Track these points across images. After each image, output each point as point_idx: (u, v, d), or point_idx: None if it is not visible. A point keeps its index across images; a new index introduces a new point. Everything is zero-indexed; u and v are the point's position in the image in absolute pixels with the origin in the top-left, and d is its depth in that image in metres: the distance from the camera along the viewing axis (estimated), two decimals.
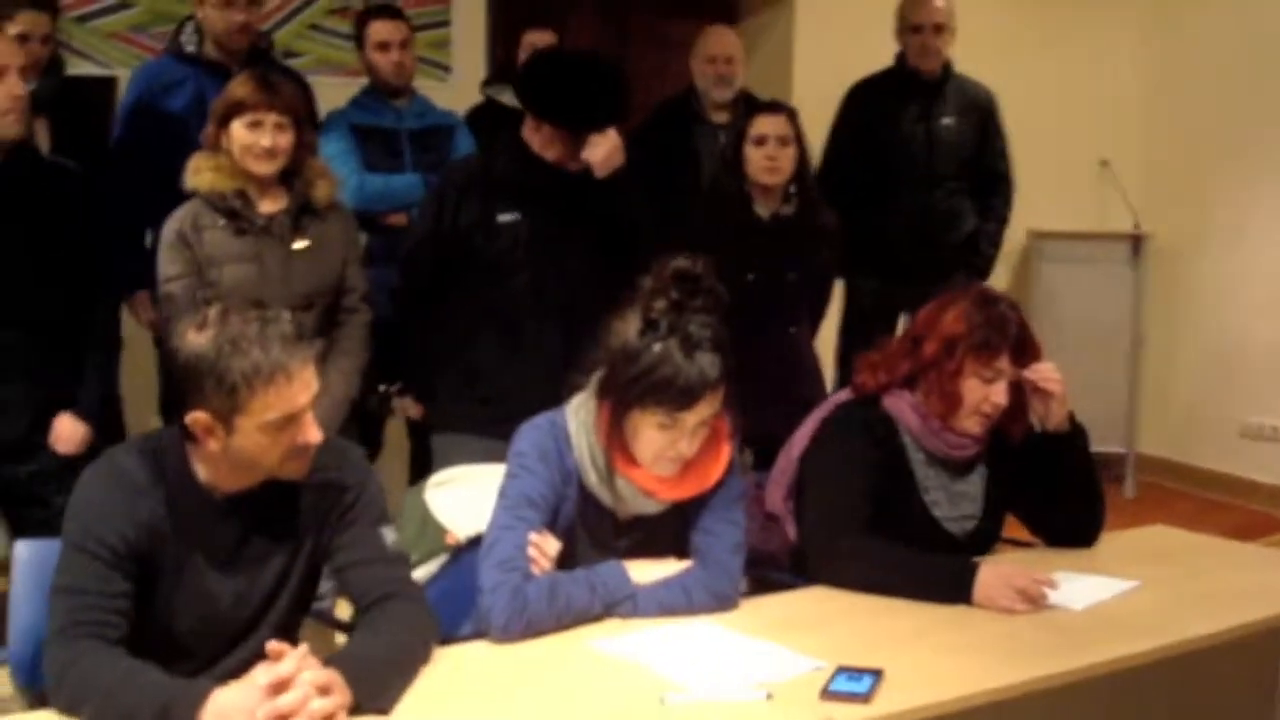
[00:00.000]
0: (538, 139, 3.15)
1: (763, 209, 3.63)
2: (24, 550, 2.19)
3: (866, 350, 2.67)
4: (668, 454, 2.19)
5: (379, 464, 4.12)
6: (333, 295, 3.23)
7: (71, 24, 4.41)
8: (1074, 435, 2.61)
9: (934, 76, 4.55)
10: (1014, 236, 6.04)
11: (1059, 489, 2.62)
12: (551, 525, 2.24)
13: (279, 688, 1.70)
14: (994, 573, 2.28)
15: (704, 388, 2.13)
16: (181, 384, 1.92)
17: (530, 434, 2.27)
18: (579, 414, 2.26)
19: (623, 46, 5.63)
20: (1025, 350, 2.53)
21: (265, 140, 3.07)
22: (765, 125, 3.56)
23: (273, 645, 1.75)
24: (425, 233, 3.29)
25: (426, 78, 4.94)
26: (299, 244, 3.15)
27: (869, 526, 2.45)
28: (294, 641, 2.19)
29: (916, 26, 4.50)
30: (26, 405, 2.90)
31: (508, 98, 3.87)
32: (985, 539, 2.63)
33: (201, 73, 3.63)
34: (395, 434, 4.07)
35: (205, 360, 1.90)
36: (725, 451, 2.29)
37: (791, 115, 3.61)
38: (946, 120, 4.53)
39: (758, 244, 3.60)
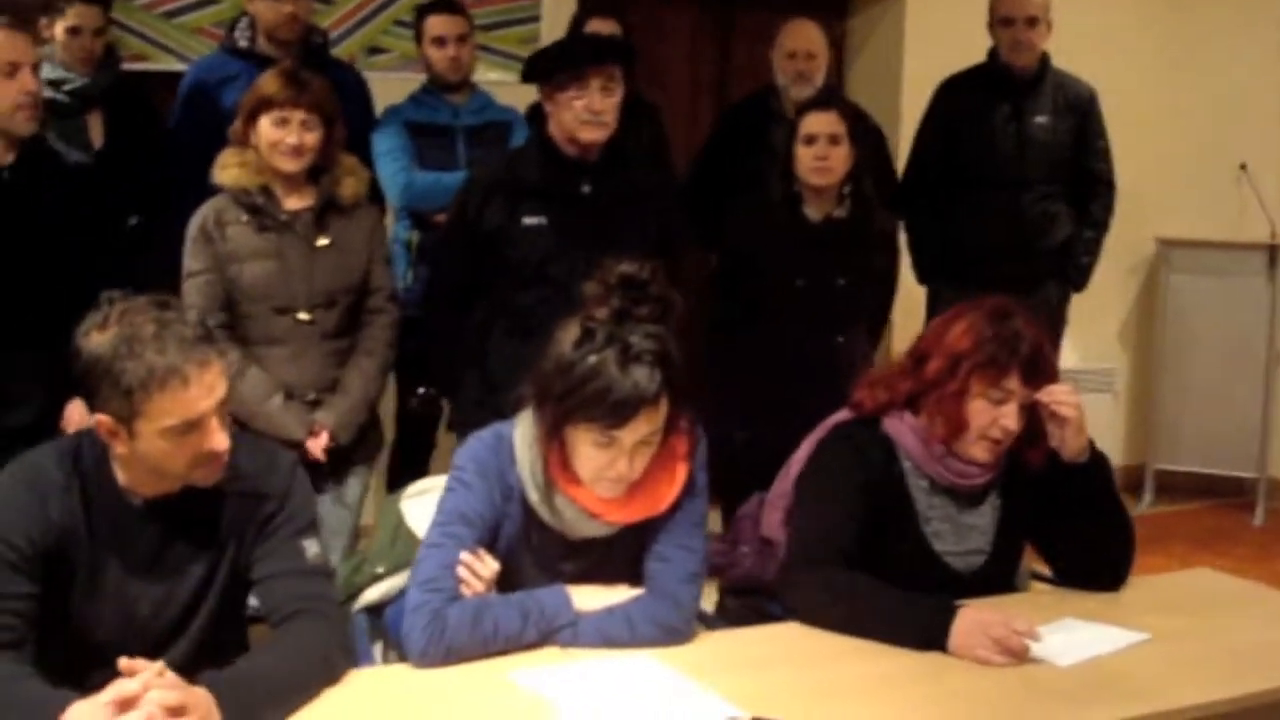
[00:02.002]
0: (558, 129, 3.05)
1: (814, 211, 3.43)
2: None
3: None
4: (607, 474, 2.03)
5: (431, 467, 4.04)
6: (357, 294, 3.16)
7: (158, 19, 4.47)
8: (1093, 465, 2.35)
9: (1028, 73, 4.25)
10: (1142, 244, 5.70)
11: (1078, 525, 2.37)
12: (491, 545, 2.11)
13: (124, 705, 1.62)
14: (972, 619, 2.05)
15: (639, 404, 1.97)
16: (83, 386, 1.87)
17: (472, 446, 2.14)
18: (523, 426, 2.13)
19: (724, 41, 5.46)
20: (1040, 370, 2.29)
21: (291, 137, 3.02)
22: (815, 123, 3.36)
23: (124, 662, 1.67)
24: (450, 231, 3.22)
25: (515, 73, 4.88)
26: (322, 241, 3.10)
27: (858, 559, 2.24)
28: (226, 652, 2.14)
29: (1007, 19, 4.20)
30: (37, 393, 2.90)
31: None
32: (995, 576, 2.40)
33: (254, 67, 3.57)
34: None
35: (102, 362, 1.84)
36: (680, 472, 2.13)
37: (845, 111, 3.41)
38: (1040, 119, 4.22)
39: (807, 248, 3.41)
